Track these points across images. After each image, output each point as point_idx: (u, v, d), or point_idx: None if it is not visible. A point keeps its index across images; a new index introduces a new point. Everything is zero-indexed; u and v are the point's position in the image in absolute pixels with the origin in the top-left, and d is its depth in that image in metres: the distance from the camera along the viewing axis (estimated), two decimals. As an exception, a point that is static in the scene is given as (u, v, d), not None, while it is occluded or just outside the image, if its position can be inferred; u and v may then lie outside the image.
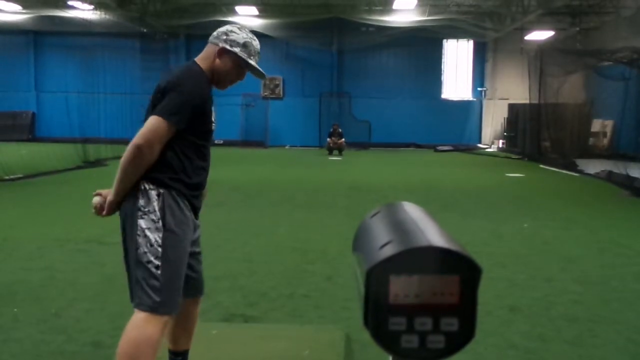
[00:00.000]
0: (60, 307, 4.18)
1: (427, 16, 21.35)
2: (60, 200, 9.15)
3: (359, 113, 24.77)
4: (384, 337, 0.78)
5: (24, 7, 21.85)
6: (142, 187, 2.42)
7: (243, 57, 2.55)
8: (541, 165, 16.35)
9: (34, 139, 24.81)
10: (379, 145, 23.88)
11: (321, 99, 25.04)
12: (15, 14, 22.76)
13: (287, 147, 24.38)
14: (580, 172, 14.27)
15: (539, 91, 18.05)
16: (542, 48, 18.87)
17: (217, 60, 2.54)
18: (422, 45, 24.61)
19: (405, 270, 0.77)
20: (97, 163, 14.83)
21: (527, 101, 19.42)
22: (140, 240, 2.38)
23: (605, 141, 19.79)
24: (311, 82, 25.12)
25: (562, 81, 17.49)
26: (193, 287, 2.64)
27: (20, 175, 11.63)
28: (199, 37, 24.20)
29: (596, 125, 20.22)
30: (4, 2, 20.96)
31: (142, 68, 23.55)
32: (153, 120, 2.36)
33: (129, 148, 2.35)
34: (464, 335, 0.78)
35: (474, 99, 25.80)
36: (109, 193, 2.49)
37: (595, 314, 4.21)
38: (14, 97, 25.32)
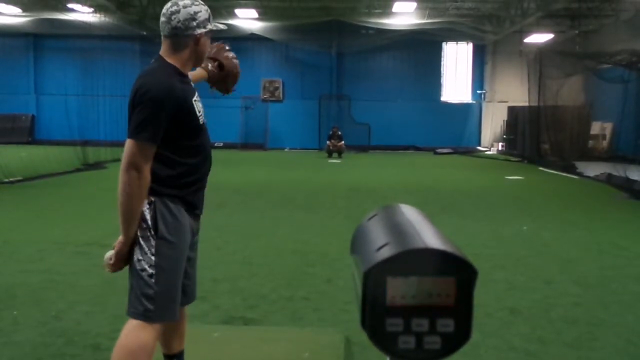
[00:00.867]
0: (60, 310, 4.18)
1: (427, 19, 21.38)
2: (60, 203, 9.15)
3: (358, 115, 24.79)
4: (381, 338, 0.79)
5: (24, 10, 21.87)
6: None
7: (215, 28, 2.49)
8: (540, 168, 16.35)
9: (33, 141, 24.80)
10: (379, 147, 23.89)
11: (321, 101, 25.05)
12: (15, 17, 22.78)
13: (286, 150, 24.39)
14: (580, 174, 14.28)
15: (538, 94, 18.06)
16: (542, 51, 18.88)
17: (198, 47, 2.43)
18: (422, 48, 24.64)
19: (402, 271, 0.78)
20: (97, 165, 14.84)
21: (527, 104, 19.43)
22: (135, 248, 2.34)
23: (605, 144, 19.80)
24: (311, 84, 25.13)
25: (561, 84, 17.50)
26: (184, 294, 2.54)
27: (20, 178, 11.63)
28: (198, 39, 24.25)
29: (595, 127, 20.23)
30: (4, 4, 20.98)
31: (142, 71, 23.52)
32: (127, 145, 2.26)
33: (119, 184, 2.27)
34: (460, 337, 0.79)
35: (474, 102, 25.82)
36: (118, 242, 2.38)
37: (594, 316, 4.22)
38: (14, 100, 25.33)
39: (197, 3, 2.41)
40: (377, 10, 21.40)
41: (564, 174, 14.67)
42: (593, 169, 14.19)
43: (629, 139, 17.09)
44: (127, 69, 24.85)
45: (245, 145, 24.16)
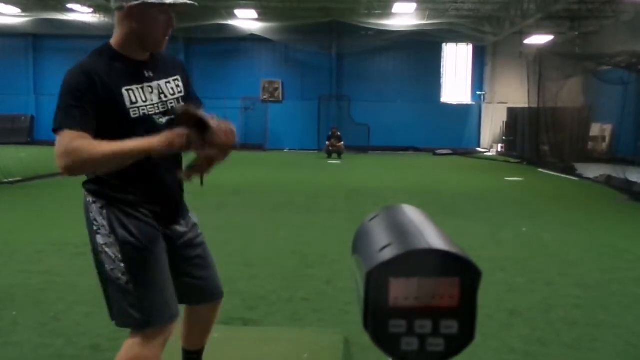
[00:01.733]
0: (60, 311, 4.17)
1: (427, 20, 21.40)
2: (59, 204, 9.14)
3: (358, 116, 24.79)
4: (384, 340, 0.78)
5: (23, 10, 21.88)
6: (87, 200, 2.21)
7: (155, 1, 2.02)
8: (540, 169, 16.35)
9: (33, 142, 24.80)
10: (378, 148, 23.88)
11: (320, 102, 25.06)
12: (14, 17, 22.78)
13: (286, 150, 24.39)
14: (579, 176, 14.28)
15: (538, 95, 18.07)
16: (541, 52, 18.89)
17: (133, 24, 2.05)
18: (422, 49, 24.66)
19: (405, 272, 0.77)
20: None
21: (526, 105, 19.44)
22: (104, 257, 2.14)
23: (604, 145, 19.81)
24: (310, 85, 25.14)
25: (561, 85, 17.50)
26: (196, 294, 2.39)
27: (19, 179, 11.62)
28: (198, 40, 24.27)
29: (595, 129, 20.24)
30: (3, 5, 20.97)
31: (142, 71, 23.55)
32: (57, 138, 1.97)
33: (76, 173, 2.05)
34: (464, 338, 0.78)
35: (473, 103, 25.83)
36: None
37: (594, 317, 4.21)
38: (13, 101, 25.33)
39: None
40: (376, 11, 21.41)
41: (564, 176, 14.67)
42: (593, 171, 14.19)
43: (628, 140, 17.09)
44: (126, 69, 24.92)
45: (244, 146, 24.14)
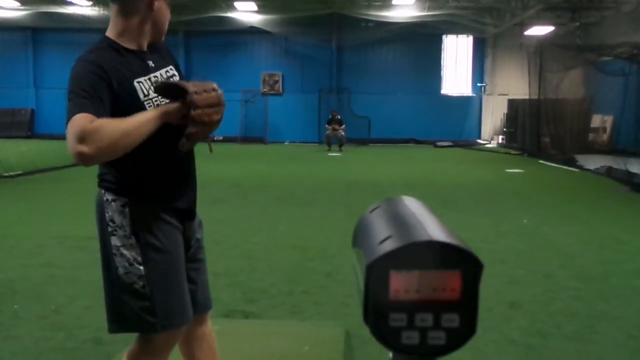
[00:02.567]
0: (60, 304, 4.18)
1: (427, 11, 21.30)
2: (59, 197, 9.14)
3: (358, 109, 24.75)
4: (384, 333, 0.77)
5: (22, 4, 21.80)
6: (105, 199, 2.06)
7: None
8: (541, 161, 16.34)
9: (33, 135, 24.78)
10: (379, 141, 23.85)
11: (320, 94, 25.00)
12: (13, 11, 22.70)
13: (286, 143, 24.36)
14: (580, 167, 14.26)
15: (538, 87, 18.02)
16: (542, 43, 18.82)
17: (152, 13, 2.03)
18: (422, 41, 24.57)
19: (405, 265, 0.76)
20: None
21: (527, 97, 19.39)
22: (118, 260, 2.03)
23: (605, 137, 19.78)
24: (310, 78, 25.08)
25: (561, 77, 17.45)
26: (194, 303, 2.24)
27: (20, 172, 11.62)
28: (198, 33, 24.19)
29: (596, 120, 20.20)
30: (2, -2, 20.93)
31: (141, 64, 23.49)
32: (68, 127, 1.80)
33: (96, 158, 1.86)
34: (465, 332, 0.78)
35: (474, 95, 25.77)
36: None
37: (595, 310, 4.22)
38: (13, 94, 25.28)
39: None
40: (377, 3, 21.32)
41: (564, 167, 14.66)
42: (593, 162, 14.18)
43: (629, 132, 17.07)
44: (126, 62, 24.85)
45: (245, 139, 24.13)
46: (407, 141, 24.42)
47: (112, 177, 2.06)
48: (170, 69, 2.20)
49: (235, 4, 21.28)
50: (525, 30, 21.91)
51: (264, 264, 5.35)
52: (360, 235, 0.92)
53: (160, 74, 2.11)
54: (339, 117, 20.41)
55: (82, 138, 1.75)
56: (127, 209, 2.03)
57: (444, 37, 25.18)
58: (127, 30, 2.04)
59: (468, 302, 0.77)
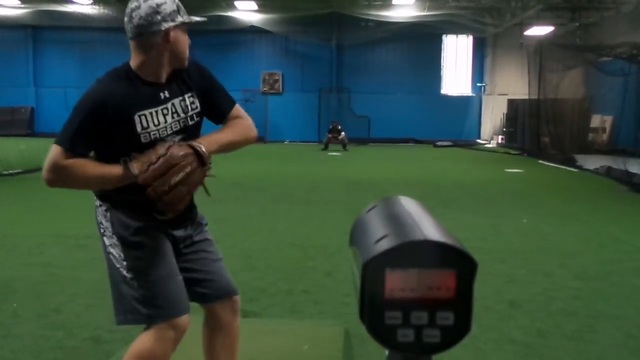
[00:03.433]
0: (60, 303, 4.18)
1: (427, 11, 21.30)
2: (59, 196, 9.11)
3: (358, 108, 24.75)
4: (380, 331, 0.78)
5: (23, 2, 21.81)
6: (95, 203, 2.32)
7: (187, 20, 2.16)
8: (540, 161, 16.35)
9: (33, 134, 24.78)
10: (378, 140, 23.86)
11: (320, 94, 25.01)
12: (13, 9, 22.71)
13: (286, 142, 24.37)
14: (580, 167, 14.27)
15: (538, 87, 18.01)
16: (542, 43, 18.82)
17: (169, 45, 2.12)
18: (422, 41, 24.57)
19: (401, 264, 0.77)
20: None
21: (527, 97, 19.39)
22: (112, 257, 2.25)
23: (605, 137, 19.77)
24: (310, 77, 25.09)
25: (561, 77, 17.45)
26: (205, 289, 2.40)
27: (20, 171, 11.63)
28: (198, 32, 24.19)
29: (595, 120, 20.20)
30: (3, -3, 20.93)
31: (141, 63, 23.50)
32: (51, 149, 2.10)
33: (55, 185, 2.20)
34: (460, 330, 0.78)
35: (474, 95, 25.78)
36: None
37: (594, 309, 4.22)
38: (13, 93, 25.28)
39: None
40: (377, 2, 21.33)
41: (564, 167, 14.67)
42: (593, 162, 14.18)
43: (629, 132, 17.09)
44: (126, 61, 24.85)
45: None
46: (406, 141, 24.42)
47: None
48: (188, 97, 2.25)
49: (236, 3, 21.28)
50: (525, 30, 21.91)
51: (264, 263, 5.36)
52: (356, 234, 0.93)
53: (173, 104, 2.20)
54: (339, 127, 20.56)
55: (52, 169, 2.09)
56: (108, 213, 2.24)
57: (443, 37, 25.18)
58: (145, 64, 2.15)
59: (463, 300, 0.78)
